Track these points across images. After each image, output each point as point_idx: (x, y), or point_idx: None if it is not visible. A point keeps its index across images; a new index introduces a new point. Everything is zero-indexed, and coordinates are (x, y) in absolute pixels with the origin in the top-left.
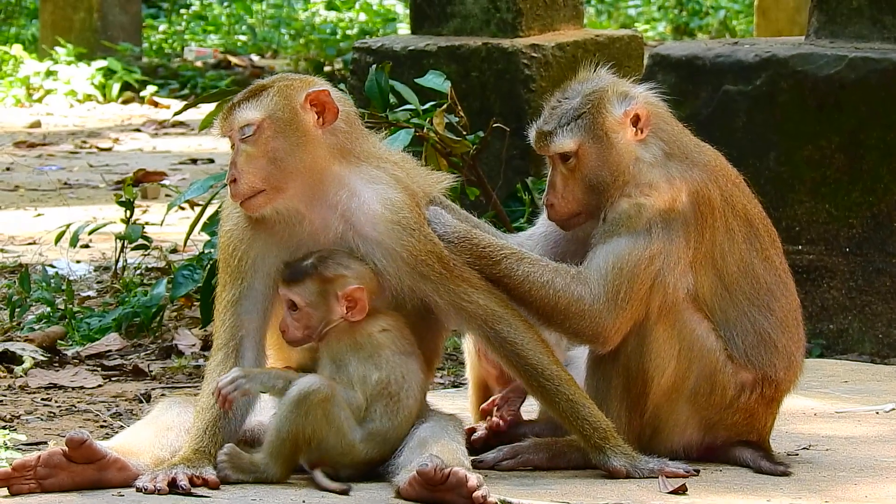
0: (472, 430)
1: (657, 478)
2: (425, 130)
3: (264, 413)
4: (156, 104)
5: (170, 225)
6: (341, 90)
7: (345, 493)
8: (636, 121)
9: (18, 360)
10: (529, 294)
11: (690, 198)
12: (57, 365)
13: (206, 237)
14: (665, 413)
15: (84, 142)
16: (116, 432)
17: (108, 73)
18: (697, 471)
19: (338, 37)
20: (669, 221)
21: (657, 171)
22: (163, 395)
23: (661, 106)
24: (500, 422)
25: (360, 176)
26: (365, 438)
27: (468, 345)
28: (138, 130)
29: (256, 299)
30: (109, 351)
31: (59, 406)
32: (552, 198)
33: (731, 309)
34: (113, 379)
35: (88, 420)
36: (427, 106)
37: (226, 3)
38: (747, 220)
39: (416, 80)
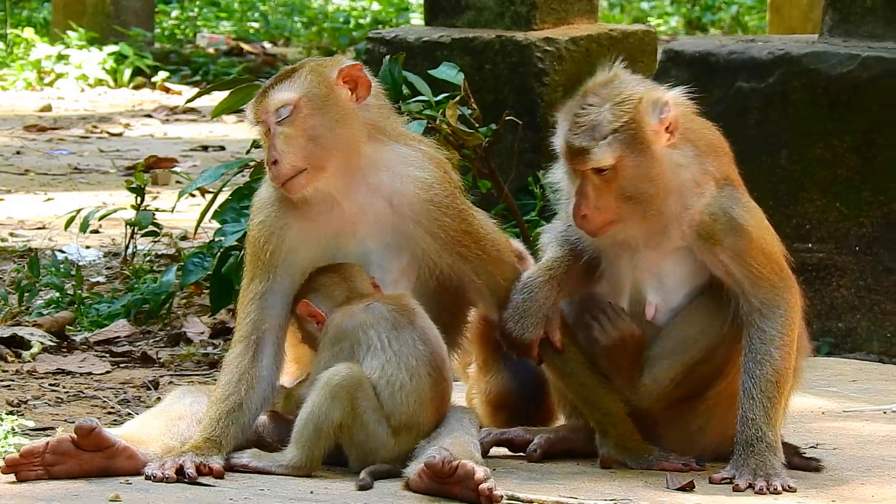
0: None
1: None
2: (438, 122)
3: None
4: (167, 90)
5: (180, 212)
6: None
7: (364, 488)
8: (669, 126)
9: (27, 345)
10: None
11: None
12: (65, 350)
13: (216, 225)
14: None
15: (95, 126)
16: (124, 419)
17: (120, 58)
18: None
19: (350, 26)
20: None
21: (695, 170)
22: (171, 382)
23: (688, 104)
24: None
25: (393, 154)
26: (393, 433)
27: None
28: (149, 116)
29: (283, 294)
30: (118, 337)
31: (67, 392)
32: (585, 209)
33: None
34: (121, 365)
35: (96, 406)
36: (440, 98)
37: None
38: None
39: (429, 72)
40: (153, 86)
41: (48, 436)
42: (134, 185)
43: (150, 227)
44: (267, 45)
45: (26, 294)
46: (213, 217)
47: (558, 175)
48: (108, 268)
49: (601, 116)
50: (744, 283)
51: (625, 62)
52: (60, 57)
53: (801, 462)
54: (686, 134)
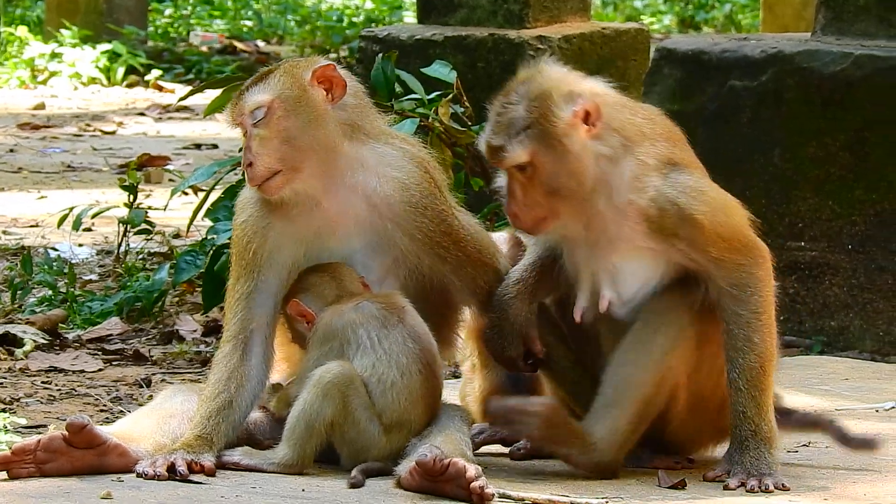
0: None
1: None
2: (430, 120)
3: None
4: (160, 88)
5: (173, 210)
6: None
7: (356, 486)
8: (586, 118)
9: (19, 343)
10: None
11: (668, 166)
12: (58, 348)
13: (209, 223)
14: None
15: (88, 125)
16: (116, 417)
17: (113, 56)
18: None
19: (344, 24)
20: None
21: (626, 161)
22: (163, 380)
23: (610, 93)
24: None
25: (372, 154)
26: (384, 431)
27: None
28: (142, 114)
29: (269, 293)
30: (110, 335)
31: (60, 389)
32: (514, 207)
33: None
34: (113, 363)
35: (88, 404)
36: (433, 96)
37: None
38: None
39: (422, 70)
40: (146, 84)
41: (40, 433)
42: (127, 184)
43: (143, 225)
44: (260, 43)
45: (19, 292)
46: (206, 215)
47: (503, 180)
48: (100, 266)
49: (516, 113)
50: (709, 268)
51: (557, 59)
52: (54, 55)
53: (859, 442)
54: (611, 124)
